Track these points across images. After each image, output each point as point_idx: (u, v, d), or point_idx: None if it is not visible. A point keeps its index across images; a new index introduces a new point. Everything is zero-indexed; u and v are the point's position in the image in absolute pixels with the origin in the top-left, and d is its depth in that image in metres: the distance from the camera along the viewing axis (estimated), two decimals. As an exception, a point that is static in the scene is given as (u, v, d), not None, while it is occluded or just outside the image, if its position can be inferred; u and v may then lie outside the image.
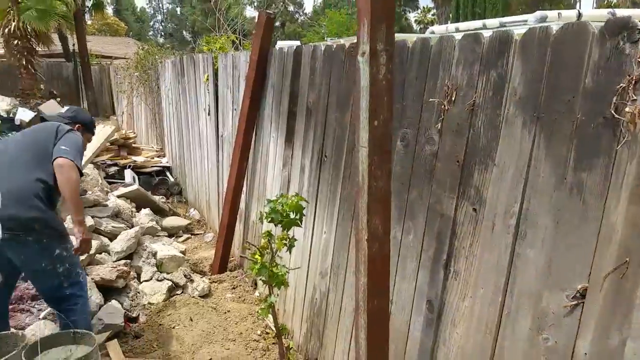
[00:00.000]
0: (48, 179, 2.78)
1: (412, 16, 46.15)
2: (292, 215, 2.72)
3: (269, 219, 2.72)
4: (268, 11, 3.88)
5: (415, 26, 44.89)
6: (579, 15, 15.94)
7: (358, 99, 1.79)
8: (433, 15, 40.33)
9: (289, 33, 44.68)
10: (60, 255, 2.78)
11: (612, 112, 1.37)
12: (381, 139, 1.77)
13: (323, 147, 3.03)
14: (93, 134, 3.49)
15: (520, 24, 15.01)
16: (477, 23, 18.08)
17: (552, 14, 15.88)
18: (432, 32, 19.48)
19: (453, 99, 1.98)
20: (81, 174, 2.93)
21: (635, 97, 1.32)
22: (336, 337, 2.84)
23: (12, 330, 3.00)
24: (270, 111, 3.80)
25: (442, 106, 2.03)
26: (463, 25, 18.84)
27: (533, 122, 1.64)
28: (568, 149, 1.51)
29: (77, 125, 3.18)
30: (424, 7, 43.09)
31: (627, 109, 1.32)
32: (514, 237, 1.70)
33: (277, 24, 48.09)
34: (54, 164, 2.76)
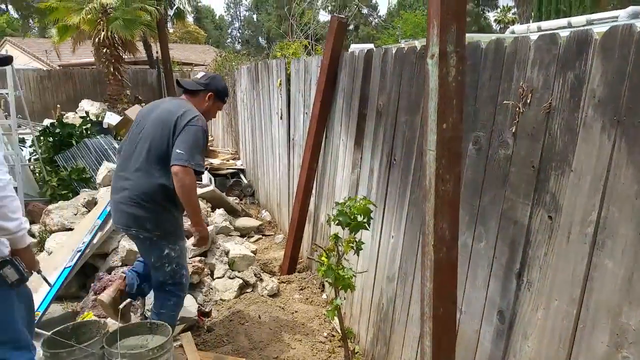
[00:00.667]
0: (168, 183, 2.83)
1: (492, 15, 44.66)
2: (359, 219, 2.73)
3: (337, 222, 2.74)
4: (340, 16, 3.91)
5: (494, 26, 43.47)
6: (677, 10, 14.52)
7: (427, 101, 1.77)
8: (513, 14, 38.83)
9: (363, 36, 44.72)
10: (169, 255, 2.94)
11: None
12: (450, 142, 1.74)
13: (392, 150, 3.01)
14: (224, 102, 3.38)
15: (609, 21, 14.07)
16: (562, 22, 17.17)
17: (646, 9, 14.57)
18: (512, 32, 18.72)
19: (528, 101, 1.91)
20: (200, 172, 2.93)
21: None
22: (403, 344, 2.80)
23: (95, 318, 3.21)
24: (341, 114, 3.83)
25: (517, 109, 1.96)
26: (546, 24, 17.98)
27: (613, 125, 1.54)
28: (654, 154, 1.42)
29: (209, 94, 3.15)
30: (503, 6, 41.59)
31: None
32: (591, 246, 1.61)
33: (351, 27, 48.25)
34: (172, 169, 2.76)
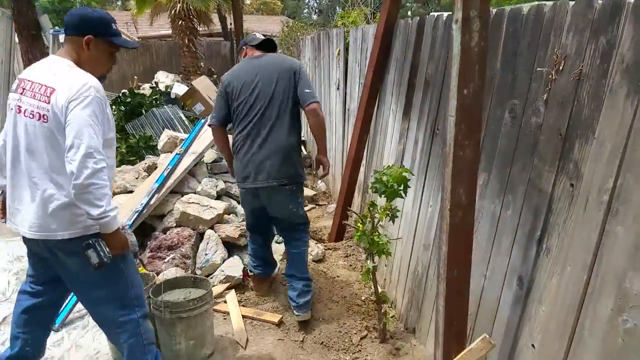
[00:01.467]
0: (298, 138, 3.19)
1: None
2: (396, 187, 2.79)
3: (374, 189, 2.82)
4: (396, -17, 3.89)
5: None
6: None
7: (450, 66, 1.80)
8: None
9: (445, 4, 43.14)
10: (302, 201, 3.33)
11: None
12: (470, 108, 1.77)
13: (436, 120, 3.02)
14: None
15: None
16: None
17: None
18: None
19: (561, 68, 1.89)
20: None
21: None
22: (433, 309, 2.87)
23: (147, 272, 3.51)
24: (392, 84, 3.85)
25: (550, 76, 1.94)
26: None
27: (637, 92, 1.51)
28: (670, 121, 1.39)
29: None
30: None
31: None
32: (605, 214, 1.60)
33: (433, -5, 46.55)
34: (307, 109, 3.07)
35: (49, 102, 2.02)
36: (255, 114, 3.07)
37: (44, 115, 2.03)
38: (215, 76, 15.36)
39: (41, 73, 2.11)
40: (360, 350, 3.00)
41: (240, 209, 4.36)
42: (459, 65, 1.72)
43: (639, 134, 1.50)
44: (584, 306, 1.66)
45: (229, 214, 4.28)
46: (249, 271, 3.66)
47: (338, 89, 5.39)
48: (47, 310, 2.43)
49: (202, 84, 7.92)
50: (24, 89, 2.10)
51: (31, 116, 2.06)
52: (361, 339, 3.11)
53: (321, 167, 3.39)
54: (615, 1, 1.64)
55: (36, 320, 2.38)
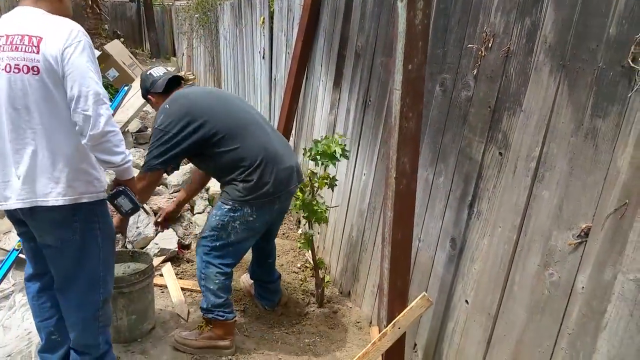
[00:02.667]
0: None
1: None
2: (333, 154, 2.87)
3: (312, 157, 2.89)
4: (323, -46, 3.91)
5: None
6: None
7: (395, 43, 1.89)
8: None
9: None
10: None
11: (629, 61, 1.42)
12: (414, 82, 1.88)
13: (368, 91, 3.14)
14: None
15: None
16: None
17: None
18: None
19: (490, 45, 2.04)
20: None
21: (653, 47, 1.37)
22: (368, 272, 3.05)
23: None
24: (321, 55, 3.90)
25: (480, 52, 2.09)
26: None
27: (559, 69, 1.69)
28: (587, 97, 1.58)
29: None
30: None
31: (641, 58, 1.37)
32: (532, 179, 1.79)
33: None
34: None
35: (38, 52, 1.85)
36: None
37: (33, 67, 1.86)
38: (122, 39, 14.52)
39: (16, 24, 1.92)
40: (300, 315, 3.12)
41: (170, 180, 4.28)
42: (404, 42, 1.82)
43: (562, 107, 1.68)
44: (514, 263, 1.86)
45: (159, 186, 4.19)
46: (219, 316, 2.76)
47: (263, 58, 5.36)
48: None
49: (116, 48, 7.49)
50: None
51: (16, 70, 1.86)
52: (303, 306, 3.23)
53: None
54: (539, -15, 1.80)
55: (51, 304, 2.27)
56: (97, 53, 7.95)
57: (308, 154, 2.86)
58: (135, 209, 2.14)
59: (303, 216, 3.05)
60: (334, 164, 2.89)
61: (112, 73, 7.29)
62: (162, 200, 3.91)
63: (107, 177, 2.13)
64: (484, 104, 2.06)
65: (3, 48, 1.90)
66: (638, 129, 1.41)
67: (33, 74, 1.87)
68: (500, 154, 1.97)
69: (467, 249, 2.15)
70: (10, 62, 1.87)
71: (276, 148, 2.67)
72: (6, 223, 3.77)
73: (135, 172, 2.25)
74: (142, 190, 2.52)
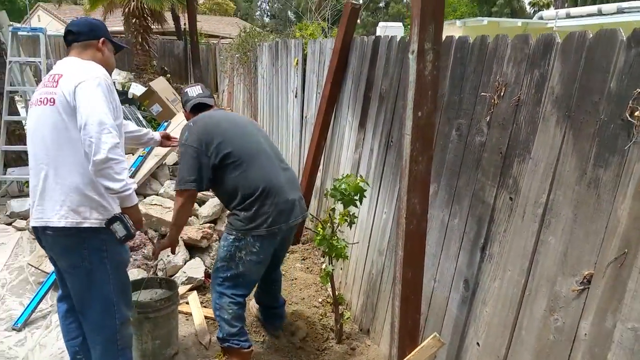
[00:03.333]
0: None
1: (527, -2, 43.66)
2: (352, 195, 2.97)
3: (332, 196, 2.99)
4: (353, 2, 4.10)
5: (528, 9, 42.46)
6: None
7: (406, 91, 2.00)
8: (549, -4, 37.92)
9: (393, 14, 44.22)
10: None
11: (627, 115, 1.48)
12: (424, 128, 1.98)
13: (390, 132, 3.24)
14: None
15: (640, 11, 13.59)
16: (592, 8, 16.80)
17: (683, -3, 14.08)
18: (541, 18, 18.38)
19: (502, 94, 2.12)
20: None
21: (649, 102, 1.42)
22: (386, 310, 3.08)
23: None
24: (349, 96, 4.05)
25: (493, 100, 2.18)
26: (575, 10, 17.62)
27: (565, 120, 1.76)
28: (590, 147, 1.63)
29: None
30: (539, -13, 40.59)
31: (637, 113, 1.43)
32: (539, 225, 1.84)
33: (381, 4, 47.74)
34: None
35: (56, 86, 2.11)
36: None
37: (51, 99, 2.11)
38: (169, 75, 15.20)
39: (54, 69, 2.23)
40: (319, 350, 3.16)
41: (201, 212, 4.44)
42: (414, 91, 1.92)
43: (567, 156, 1.74)
44: (522, 307, 1.89)
45: (190, 217, 4.36)
46: (234, 345, 2.85)
47: (296, 96, 5.55)
48: None
49: (160, 85, 7.90)
50: (38, 87, 2.23)
51: (39, 103, 2.15)
52: (322, 341, 3.28)
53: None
54: (546, 40, 1.88)
55: (77, 325, 2.42)
56: (143, 89, 8.41)
57: (331, 195, 2.96)
58: (129, 236, 2.21)
59: (323, 251, 3.13)
60: (356, 206, 2.99)
61: (156, 108, 7.67)
62: (192, 231, 4.07)
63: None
64: (496, 150, 2.13)
65: (39, 89, 2.22)
66: (636, 180, 1.45)
67: (50, 105, 2.11)
68: (511, 198, 2.02)
69: (479, 291, 2.18)
70: (38, 97, 2.18)
71: (280, 180, 2.77)
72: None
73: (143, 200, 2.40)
74: (179, 210, 2.75)
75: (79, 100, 2.05)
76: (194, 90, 3.13)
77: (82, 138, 2.03)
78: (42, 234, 2.20)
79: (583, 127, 1.67)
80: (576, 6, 23.34)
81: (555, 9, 26.54)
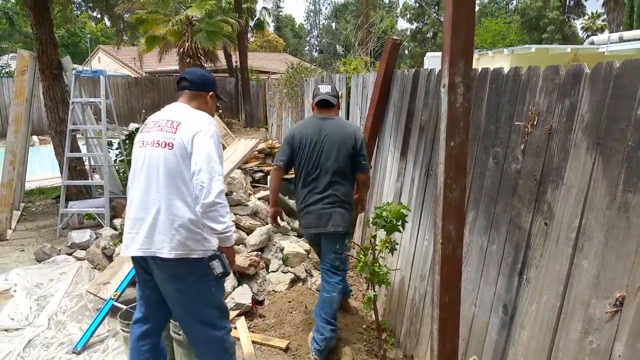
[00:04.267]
0: (352, 186, 3.58)
1: (579, 23, 42.91)
2: (394, 222, 3.07)
3: (374, 223, 3.10)
4: (394, 37, 4.27)
5: (581, 33, 41.67)
6: None
7: (440, 122, 2.11)
8: (603, 21, 37.09)
9: (440, 43, 44.44)
10: (347, 244, 3.54)
11: (652, 140, 1.53)
12: (456, 157, 2.07)
13: (430, 161, 3.33)
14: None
15: (695, 34, 13.18)
16: (643, 31, 16.15)
17: None
18: (592, 43, 17.98)
19: (535, 122, 2.20)
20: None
21: (671, 128, 1.48)
22: (429, 335, 3.10)
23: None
24: (390, 127, 4.18)
25: (526, 129, 2.25)
26: (628, 34, 17.17)
27: (594, 146, 1.82)
28: (619, 173, 1.68)
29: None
30: (592, 13, 39.82)
31: (659, 139, 1.48)
32: (573, 249, 1.88)
33: (429, 35, 48.11)
34: (361, 176, 3.56)
35: (175, 132, 2.40)
36: (318, 170, 3.46)
37: (170, 143, 2.38)
38: (220, 111, 15.81)
39: (167, 113, 2.54)
40: (362, 376, 3.22)
41: (248, 240, 4.63)
42: (447, 122, 2.03)
43: (597, 182, 1.79)
44: (558, 330, 1.92)
45: (238, 245, 4.54)
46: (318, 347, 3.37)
47: (340, 128, 5.74)
48: (156, 335, 2.71)
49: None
50: (150, 128, 2.52)
51: (156, 145, 2.42)
52: (364, 365, 3.33)
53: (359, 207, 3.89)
54: (575, 70, 1.96)
55: (149, 348, 2.66)
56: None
57: (373, 223, 3.07)
58: (225, 274, 2.50)
59: (365, 277, 3.22)
60: (399, 231, 3.08)
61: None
62: (240, 259, 4.24)
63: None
64: (531, 177, 2.19)
65: (151, 130, 2.49)
66: (662, 203, 1.50)
67: (168, 148, 2.38)
68: (546, 224, 2.07)
69: (517, 315, 2.21)
70: (154, 138, 2.44)
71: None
72: (105, 275, 4.28)
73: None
74: (270, 181, 3.72)
75: (195, 148, 2.34)
76: (325, 88, 3.66)
77: (194, 182, 2.31)
78: (150, 262, 2.46)
79: (612, 153, 1.73)
80: (631, 29, 22.76)
81: (609, 33, 25.94)
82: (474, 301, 2.59)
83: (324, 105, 3.59)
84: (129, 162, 7.23)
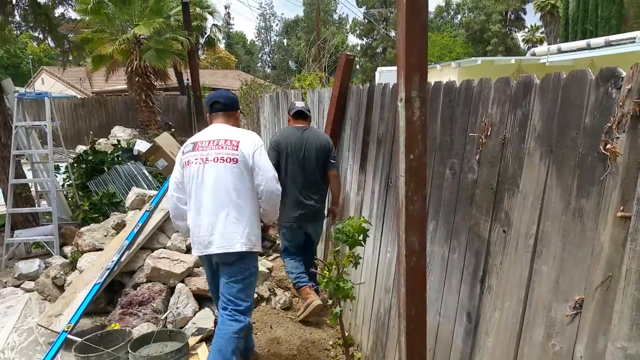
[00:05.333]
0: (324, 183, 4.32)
1: (520, 35, 44.88)
2: (356, 236, 3.08)
3: (337, 239, 3.10)
4: (348, 53, 4.32)
5: (522, 45, 43.56)
6: (696, 28, 14.52)
7: (398, 136, 2.14)
8: (542, 33, 38.94)
9: (390, 58, 45.48)
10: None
11: (601, 148, 1.60)
12: (416, 169, 2.09)
13: (389, 173, 3.37)
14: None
15: (627, 42, 14.16)
16: (581, 43, 17.25)
17: (664, 29, 14.58)
18: (533, 54, 18.78)
19: (489, 133, 2.26)
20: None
21: (618, 136, 1.55)
22: (395, 349, 3.12)
23: (121, 327, 3.63)
24: (348, 141, 4.21)
25: (481, 139, 2.31)
26: (565, 45, 18.04)
27: (547, 155, 1.88)
28: (572, 179, 1.75)
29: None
30: (531, 26, 41.76)
31: (608, 146, 1.55)
32: (532, 255, 1.93)
33: (379, 50, 49.11)
34: (330, 174, 4.25)
35: (237, 149, 2.98)
36: (304, 174, 4.19)
37: (234, 159, 2.98)
38: (173, 129, 15.55)
39: (220, 133, 3.08)
40: (331, 392, 3.19)
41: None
42: (405, 135, 2.06)
43: (552, 188, 1.85)
44: (522, 335, 1.96)
45: (198, 267, 4.44)
46: (296, 284, 4.32)
47: (297, 144, 5.73)
48: None
49: (165, 140, 8.13)
50: (205, 147, 3.02)
51: (221, 160, 2.97)
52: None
53: (331, 215, 4.53)
54: (526, 81, 2.03)
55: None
56: (148, 145, 8.64)
57: (335, 238, 3.07)
58: (273, 246, 3.91)
59: (330, 293, 3.20)
60: (361, 245, 3.09)
61: (162, 163, 7.88)
62: (201, 281, 4.15)
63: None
64: (487, 186, 2.25)
65: (210, 147, 3.01)
66: (614, 207, 1.56)
67: (233, 163, 2.97)
68: (504, 231, 2.12)
69: (481, 322, 2.25)
70: (217, 155, 2.98)
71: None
72: (57, 306, 4.08)
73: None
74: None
75: (256, 161, 3.00)
76: (300, 103, 4.46)
77: (260, 187, 3.01)
78: (221, 258, 3.02)
79: (564, 160, 1.79)
80: (567, 41, 23.95)
81: (548, 44, 27.23)
82: (439, 310, 2.61)
83: (300, 116, 4.31)
84: (77, 186, 6.97)
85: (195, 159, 3.00)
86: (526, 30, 43.28)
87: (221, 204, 2.94)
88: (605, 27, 24.11)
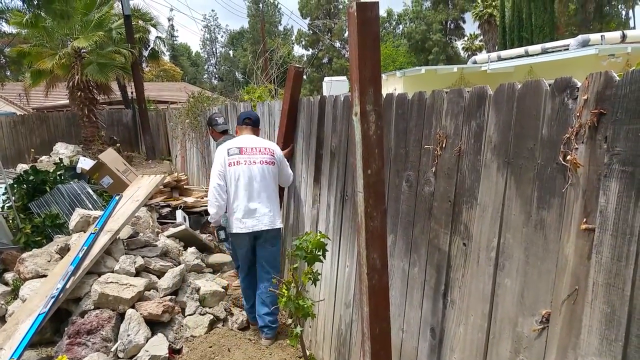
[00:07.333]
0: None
1: (460, 44, 46.36)
2: (315, 252, 2.99)
3: (295, 255, 3.00)
4: (297, 65, 4.26)
5: (462, 53, 45.02)
6: (623, 36, 15.63)
7: (354, 150, 2.07)
8: (480, 41, 40.35)
9: (337, 68, 45.93)
10: None
11: (560, 159, 1.59)
12: (374, 184, 2.04)
13: (345, 186, 3.31)
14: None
15: (561, 49, 14.78)
16: (519, 50, 17.94)
17: (594, 37, 15.60)
18: (474, 62, 19.34)
19: (444, 145, 2.23)
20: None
21: (576, 146, 1.54)
22: (359, 365, 3.04)
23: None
24: (301, 154, 4.13)
25: (436, 152, 2.28)
26: (505, 53, 18.70)
27: (505, 166, 1.86)
28: (532, 190, 1.73)
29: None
30: (470, 34, 43.23)
31: (568, 157, 1.54)
32: (494, 268, 1.90)
33: (325, 60, 49.56)
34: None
35: (273, 155, 4.03)
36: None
37: (271, 162, 4.02)
38: (118, 144, 15.01)
39: (256, 142, 4.10)
40: (294, 416, 3.07)
41: (160, 284, 4.33)
42: (362, 150, 2.00)
43: (512, 200, 1.83)
44: (488, 351, 1.92)
45: (149, 290, 4.23)
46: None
47: (249, 158, 5.60)
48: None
49: (110, 156, 7.78)
50: (246, 151, 4.00)
51: (265, 163, 3.99)
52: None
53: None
54: (479, 92, 2.01)
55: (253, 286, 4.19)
56: (92, 162, 8.26)
57: (293, 254, 2.97)
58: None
59: (290, 312, 3.10)
60: (320, 261, 3.00)
61: (107, 180, 7.52)
62: (153, 306, 3.94)
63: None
64: (445, 198, 2.22)
65: (252, 153, 4.00)
66: (577, 219, 1.54)
67: (271, 165, 4.02)
68: (464, 244, 2.09)
69: (446, 338, 2.21)
70: (260, 159, 3.99)
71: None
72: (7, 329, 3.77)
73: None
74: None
75: (281, 164, 4.10)
76: (222, 119, 5.26)
77: (283, 177, 4.18)
78: (263, 234, 3.98)
79: (523, 172, 1.78)
80: (505, 48, 24.91)
81: (487, 52, 28.24)
82: (401, 326, 2.56)
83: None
84: (18, 208, 6.55)
85: (245, 160, 3.95)
86: (466, 38, 44.79)
87: (259, 192, 3.94)
88: (540, 35, 25.29)
